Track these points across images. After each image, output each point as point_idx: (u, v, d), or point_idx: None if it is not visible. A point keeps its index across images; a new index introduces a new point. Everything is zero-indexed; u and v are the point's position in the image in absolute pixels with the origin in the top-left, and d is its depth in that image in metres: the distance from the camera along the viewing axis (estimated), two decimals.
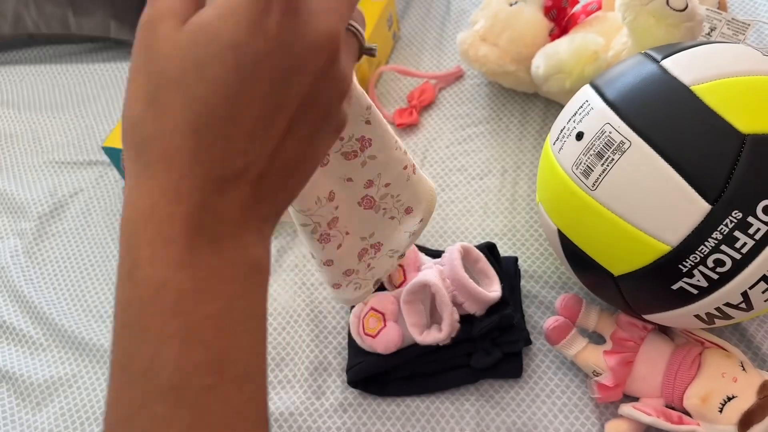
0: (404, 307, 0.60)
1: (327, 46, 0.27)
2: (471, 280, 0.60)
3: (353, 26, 0.30)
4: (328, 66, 0.27)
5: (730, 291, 0.48)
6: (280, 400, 0.64)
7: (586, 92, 0.55)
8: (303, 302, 0.70)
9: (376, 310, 0.61)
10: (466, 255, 0.63)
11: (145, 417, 0.25)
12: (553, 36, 0.77)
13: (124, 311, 0.27)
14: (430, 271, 0.60)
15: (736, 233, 0.46)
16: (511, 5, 0.78)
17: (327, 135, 0.30)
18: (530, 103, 0.83)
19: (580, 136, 0.52)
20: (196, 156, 0.26)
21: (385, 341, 0.60)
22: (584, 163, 0.51)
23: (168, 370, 0.25)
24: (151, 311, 0.26)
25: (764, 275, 0.47)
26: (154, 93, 0.26)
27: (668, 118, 0.48)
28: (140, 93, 0.26)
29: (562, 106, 0.59)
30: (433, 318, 0.62)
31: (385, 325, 0.61)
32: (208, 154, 0.26)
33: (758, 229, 0.46)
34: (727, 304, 0.49)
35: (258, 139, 0.26)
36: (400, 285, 0.63)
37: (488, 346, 0.60)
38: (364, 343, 0.61)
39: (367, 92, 0.88)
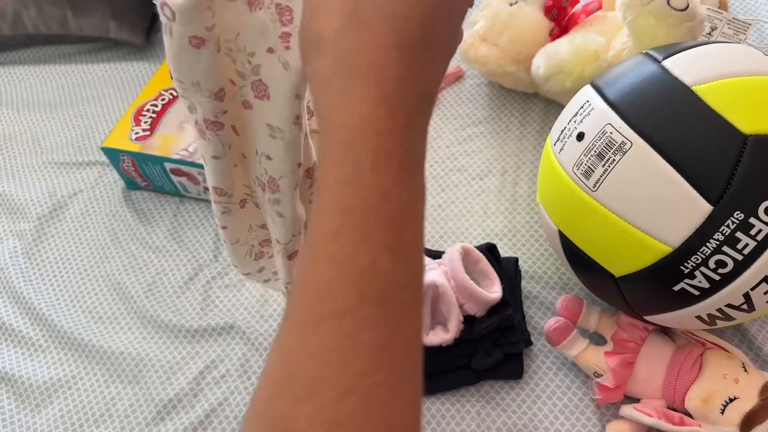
0: None
1: None
2: (471, 281, 0.60)
3: None
4: None
5: (732, 292, 0.48)
6: None
7: (587, 92, 0.55)
8: None
9: None
10: (466, 256, 0.63)
11: (358, 316, 0.27)
12: (554, 36, 0.77)
13: (346, 214, 0.28)
14: (435, 272, 0.60)
15: (738, 234, 0.46)
16: (511, 5, 0.77)
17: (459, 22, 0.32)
18: (530, 103, 0.82)
19: (581, 136, 0.52)
20: (402, 72, 0.28)
21: None
22: (585, 164, 0.51)
23: (383, 279, 0.27)
24: (375, 219, 0.28)
25: (766, 276, 0.47)
26: (353, 11, 0.28)
27: (669, 119, 0.48)
28: (335, 10, 0.28)
29: (562, 107, 0.59)
30: (434, 319, 0.61)
31: None
32: (411, 71, 0.28)
33: (760, 230, 0.45)
34: (729, 306, 0.49)
35: (444, 61, 0.30)
36: None
37: (489, 347, 0.60)
38: None
39: None
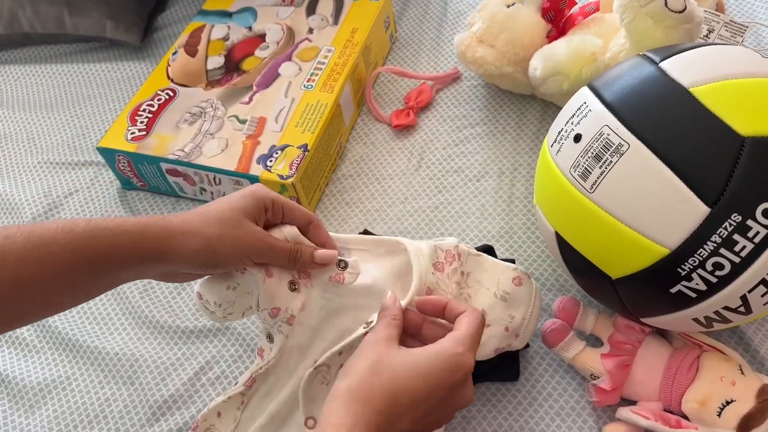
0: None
1: (467, 373, 0.47)
2: None
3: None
4: (464, 381, 0.47)
5: (729, 294, 0.48)
6: None
7: (584, 94, 0.55)
8: None
9: None
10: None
11: None
12: (551, 37, 0.77)
13: None
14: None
15: (736, 236, 0.45)
16: (508, 6, 0.77)
17: (445, 415, 0.47)
18: (527, 104, 0.82)
19: (578, 138, 0.52)
20: (384, 417, 0.44)
21: None
22: (582, 166, 0.51)
23: None
24: None
25: (763, 279, 0.47)
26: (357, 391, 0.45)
27: (667, 121, 0.48)
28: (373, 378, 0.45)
29: (559, 108, 0.59)
30: None
31: None
32: (392, 416, 0.44)
33: (757, 233, 0.45)
34: (726, 308, 0.49)
35: (419, 414, 0.45)
36: None
37: None
38: None
39: (364, 93, 0.88)
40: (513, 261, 0.66)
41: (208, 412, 0.58)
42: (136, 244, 0.49)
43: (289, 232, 0.54)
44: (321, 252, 0.54)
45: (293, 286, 0.55)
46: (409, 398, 0.44)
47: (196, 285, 0.58)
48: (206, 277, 0.57)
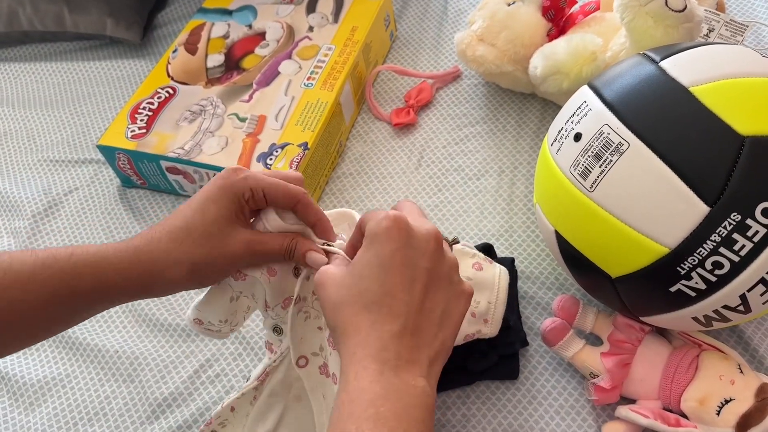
0: None
1: (432, 236, 0.44)
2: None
3: (446, 239, 0.47)
4: (438, 249, 0.44)
5: (729, 293, 0.48)
6: None
7: (585, 93, 0.55)
8: None
9: None
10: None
11: None
12: (551, 36, 0.77)
13: (338, 408, 0.41)
14: None
15: (735, 235, 0.46)
16: (508, 5, 0.77)
17: (455, 298, 0.45)
18: (527, 103, 0.82)
19: (578, 137, 0.52)
20: (373, 323, 0.42)
21: None
22: (582, 165, 0.51)
23: None
24: (356, 404, 0.40)
25: (763, 278, 0.47)
26: (336, 304, 0.43)
27: (667, 120, 0.48)
28: (328, 305, 0.44)
29: (559, 107, 0.59)
30: None
31: None
32: (379, 318, 0.42)
33: (757, 232, 0.45)
34: (725, 307, 0.49)
35: (405, 302, 0.42)
36: None
37: (485, 347, 0.60)
38: None
39: (364, 92, 0.88)
40: (512, 260, 0.67)
41: (221, 409, 0.56)
42: (120, 280, 0.47)
43: (273, 223, 0.49)
44: (313, 256, 0.49)
45: (297, 272, 0.52)
46: (381, 291, 0.42)
47: (190, 311, 0.54)
48: (201, 300, 0.53)
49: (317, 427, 0.53)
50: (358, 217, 0.54)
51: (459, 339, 0.55)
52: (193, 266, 0.47)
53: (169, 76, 0.83)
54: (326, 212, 0.53)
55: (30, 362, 0.70)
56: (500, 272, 0.58)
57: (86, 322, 0.72)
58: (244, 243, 0.48)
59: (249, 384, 0.56)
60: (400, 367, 0.41)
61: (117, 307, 0.72)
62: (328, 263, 0.48)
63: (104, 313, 0.72)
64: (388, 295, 0.42)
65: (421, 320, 0.43)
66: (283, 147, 0.74)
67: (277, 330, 0.55)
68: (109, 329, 0.71)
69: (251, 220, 0.51)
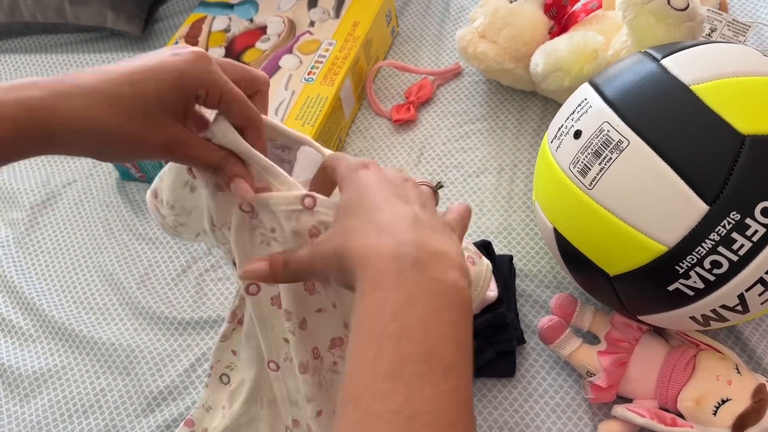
0: None
1: (402, 176, 0.42)
2: None
3: (431, 185, 0.45)
4: (413, 184, 0.42)
5: (727, 293, 0.48)
6: None
7: (585, 90, 0.55)
8: None
9: None
10: None
11: (373, 390, 0.33)
12: (553, 34, 0.77)
13: (357, 324, 0.35)
14: None
15: (734, 235, 0.45)
16: (510, 2, 0.77)
17: (442, 229, 0.40)
18: (528, 101, 0.82)
19: (578, 134, 0.52)
20: (382, 228, 0.37)
21: None
22: (582, 162, 0.51)
23: (388, 359, 0.33)
24: (375, 319, 0.34)
25: (761, 278, 0.47)
26: (340, 229, 0.40)
27: (667, 118, 0.48)
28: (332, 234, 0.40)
29: (560, 105, 0.59)
30: None
31: None
32: (386, 223, 0.37)
33: (756, 231, 0.45)
34: (723, 306, 0.49)
35: (406, 206, 0.39)
36: None
37: (482, 344, 0.60)
38: None
39: (365, 87, 0.87)
40: (511, 257, 0.67)
41: (214, 362, 0.55)
42: (13, 136, 0.37)
43: (219, 133, 0.42)
44: (240, 184, 0.42)
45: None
46: (381, 201, 0.39)
47: (157, 177, 0.49)
48: (166, 169, 0.48)
49: (265, 352, 0.50)
50: (314, 148, 0.49)
51: None
52: (97, 142, 0.39)
53: None
54: (285, 127, 0.48)
55: (26, 354, 0.70)
56: (486, 266, 0.57)
57: (82, 314, 0.71)
58: (170, 141, 0.41)
59: (223, 329, 0.53)
60: (423, 260, 0.35)
61: (113, 299, 0.72)
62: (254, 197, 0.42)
63: (101, 305, 0.72)
64: (388, 203, 0.38)
65: (426, 222, 0.38)
66: None
67: (236, 264, 0.48)
68: (105, 322, 0.71)
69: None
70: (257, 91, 0.45)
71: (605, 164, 0.49)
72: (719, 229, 0.46)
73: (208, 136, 0.43)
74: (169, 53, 0.41)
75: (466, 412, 0.34)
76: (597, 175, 0.50)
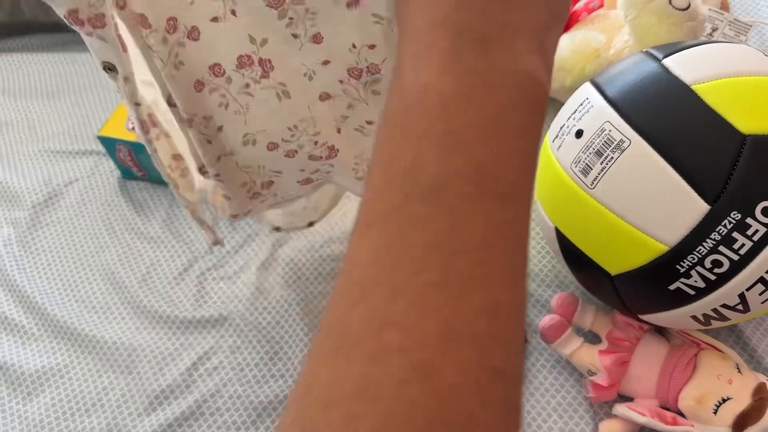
0: None
1: None
2: None
3: None
4: None
5: (728, 292, 0.48)
6: (273, 393, 0.63)
7: (587, 90, 0.55)
8: (297, 296, 0.70)
9: None
10: None
11: (405, 213, 0.24)
12: None
13: (389, 119, 0.26)
14: None
15: (735, 234, 0.45)
16: None
17: None
18: None
19: (579, 133, 0.52)
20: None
21: None
22: (583, 161, 0.51)
23: (429, 171, 0.24)
24: (416, 113, 0.25)
25: (762, 277, 0.47)
26: None
27: (669, 117, 0.48)
28: None
29: (561, 104, 0.59)
30: None
31: None
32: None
33: (756, 231, 0.45)
34: (724, 306, 0.49)
35: None
36: None
37: None
38: None
39: None
40: None
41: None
42: None
43: None
44: None
45: None
46: None
47: None
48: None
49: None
50: None
51: None
52: None
53: None
54: None
55: (28, 352, 0.70)
56: None
57: (84, 312, 0.72)
58: None
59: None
60: (489, 37, 0.26)
61: (115, 298, 0.72)
62: None
63: (103, 304, 0.72)
64: None
65: None
66: None
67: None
68: (107, 320, 0.71)
69: None
70: None
71: (607, 164, 0.49)
72: (720, 229, 0.46)
73: None
74: None
75: (520, 254, 0.26)
76: (598, 174, 0.50)
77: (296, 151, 0.49)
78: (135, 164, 0.79)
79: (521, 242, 0.26)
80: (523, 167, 0.26)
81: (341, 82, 0.46)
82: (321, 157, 0.51)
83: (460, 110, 0.25)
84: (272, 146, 0.48)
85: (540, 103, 0.26)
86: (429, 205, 0.24)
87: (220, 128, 0.45)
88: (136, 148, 0.77)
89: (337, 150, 0.51)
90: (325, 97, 0.46)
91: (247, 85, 0.45)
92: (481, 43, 0.25)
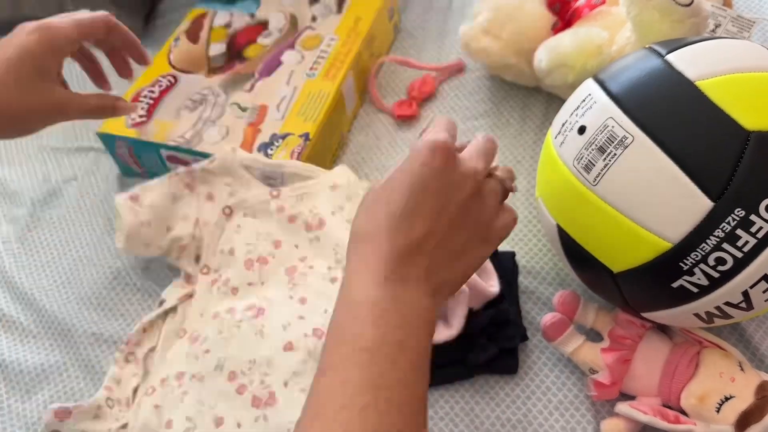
0: None
1: (471, 178, 0.44)
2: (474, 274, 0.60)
3: (499, 177, 0.47)
4: (475, 191, 0.44)
5: (731, 290, 0.47)
6: None
7: (589, 86, 0.54)
8: None
9: None
10: None
11: (354, 361, 0.39)
12: (557, 30, 0.77)
13: (339, 310, 0.41)
14: None
15: (738, 231, 0.45)
16: None
17: (480, 242, 0.45)
18: (531, 97, 0.82)
19: (582, 130, 0.52)
20: (391, 234, 0.41)
21: None
22: (586, 158, 0.51)
23: (368, 336, 0.39)
24: (360, 307, 0.40)
25: (765, 274, 0.47)
26: (364, 207, 0.44)
27: (672, 114, 0.48)
28: (361, 209, 0.44)
29: (563, 101, 0.58)
30: None
31: None
32: (398, 232, 0.41)
33: (760, 228, 0.45)
34: (727, 303, 0.49)
35: (427, 227, 0.42)
36: None
37: (484, 341, 0.60)
38: None
39: (367, 83, 0.87)
40: (513, 254, 0.66)
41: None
42: None
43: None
44: (120, 103, 0.59)
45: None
46: (407, 208, 0.41)
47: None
48: (163, 179, 0.68)
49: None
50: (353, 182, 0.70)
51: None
52: None
53: (170, 64, 0.83)
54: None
55: (27, 350, 0.69)
56: None
57: (83, 310, 0.71)
58: (58, 102, 0.52)
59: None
60: (408, 281, 0.41)
61: (113, 296, 0.72)
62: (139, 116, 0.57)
63: (100, 301, 0.72)
64: (413, 214, 0.41)
65: (438, 249, 0.42)
66: (284, 137, 0.73)
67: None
68: (106, 318, 0.71)
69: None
70: (108, 24, 0.56)
71: (609, 160, 0.49)
72: (724, 226, 0.45)
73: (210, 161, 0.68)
74: (21, 34, 0.51)
75: (423, 398, 0.41)
76: (601, 171, 0.49)
77: (246, 387, 0.60)
78: (134, 161, 0.79)
79: (424, 393, 0.41)
80: (422, 356, 0.41)
81: (305, 336, 0.61)
82: (261, 400, 0.59)
83: (387, 309, 0.40)
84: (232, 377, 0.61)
85: (431, 324, 0.42)
86: (369, 354, 0.38)
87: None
88: (135, 145, 0.76)
89: (276, 400, 0.59)
90: (288, 347, 0.60)
91: (241, 321, 0.63)
92: (403, 281, 0.41)
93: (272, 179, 0.68)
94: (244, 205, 0.67)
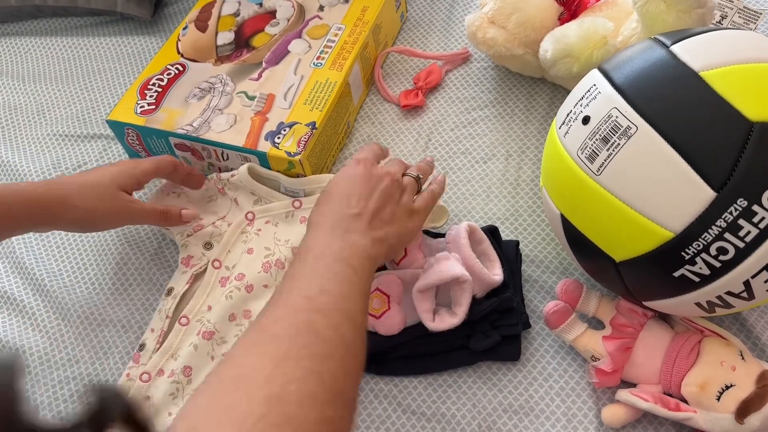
0: (418, 296, 0.60)
1: (387, 175, 0.59)
2: (478, 261, 0.60)
3: (415, 176, 0.63)
4: (393, 183, 0.59)
5: (732, 280, 0.48)
6: None
7: (594, 76, 0.55)
8: None
9: (381, 291, 0.61)
10: (471, 234, 0.63)
11: (303, 272, 0.51)
12: (563, 20, 0.77)
13: (294, 257, 0.53)
14: (456, 265, 0.60)
15: (741, 221, 0.46)
16: None
17: (405, 217, 0.59)
18: (537, 87, 0.82)
19: (586, 120, 0.52)
20: (336, 208, 0.56)
21: (388, 325, 0.60)
22: (590, 148, 0.51)
23: (317, 252, 0.52)
24: (307, 252, 0.52)
25: (767, 265, 0.47)
26: (318, 204, 0.59)
27: (676, 104, 0.48)
28: (313, 207, 0.58)
29: (568, 92, 0.59)
30: (437, 300, 0.62)
31: (389, 308, 0.61)
32: (341, 206, 0.56)
33: (763, 218, 0.45)
34: (729, 293, 0.49)
35: (362, 203, 0.56)
36: (400, 261, 0.63)
37: (487, 328, 0.61)
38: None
39: (373, 72, 0.87)
40: (517, 242, 0.67)
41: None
42: (30, 210, 0.62)
43: (241, 176, 0.73)
44: (186, 212, 0.70)
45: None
46: (346, 192, 0.57)
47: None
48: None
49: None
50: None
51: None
52: (86, 213, 0.64)
53: (179, 53, 0.84)
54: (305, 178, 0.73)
55: (36, 335, 0.70)
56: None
57: (93, 295, 0.72)
58: (127, 206, 0.66)
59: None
60: (351, 231, 0.54)
61: (123, 280, 0.73)
62: (198, 217, 0.72)
63: (110, 286, 0.73)
64: (349, 196, 0.56)
65: (373, 218, 0.56)
66: (291, 126, 0.74)
67: (208, 245, 0.72)
68: (116, 302, 0.72)
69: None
70: (172, 164, 0.70)
71: (613, 150, 0.49)
72: (726, 216, 0.46)
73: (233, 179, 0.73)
74: (115, 165, 0.68)
75: (363, 300, 0.51)
76: (605, 161, 0.50)
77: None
78: (143, 148, 0.80)
79: (364, 296, 0.51)
80: (363, 288, 0.51)
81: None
82: None
83: (338, 257, 0.51)
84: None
85: (372, 272, 0.54)
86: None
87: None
88: (144, 132, 0.77)
89: None
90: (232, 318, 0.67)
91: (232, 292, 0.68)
92: (346, 232, 0.54)
93: (295, 191, 0.73)
94: (268, 213, 0.71)
